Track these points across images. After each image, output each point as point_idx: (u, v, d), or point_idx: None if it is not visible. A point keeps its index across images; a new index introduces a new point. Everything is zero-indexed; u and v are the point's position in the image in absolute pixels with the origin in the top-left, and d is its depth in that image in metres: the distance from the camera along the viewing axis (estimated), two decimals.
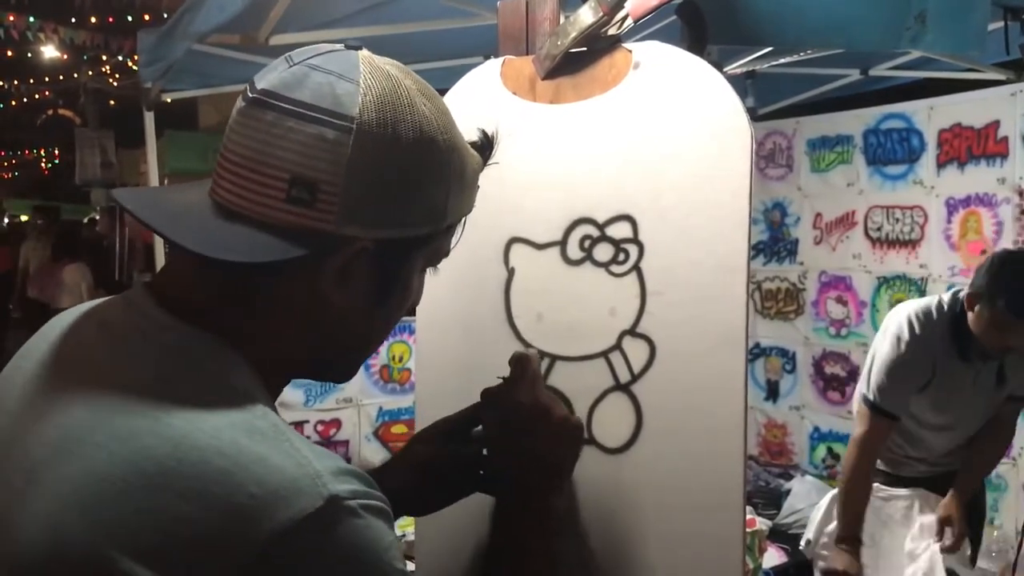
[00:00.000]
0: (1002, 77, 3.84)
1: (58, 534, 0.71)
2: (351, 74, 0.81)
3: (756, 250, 5.00)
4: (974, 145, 4.01)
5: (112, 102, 10.82)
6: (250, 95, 0.82)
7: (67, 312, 0.93)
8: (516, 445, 1.06)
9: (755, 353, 5.02)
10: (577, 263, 1.24)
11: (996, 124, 3.92)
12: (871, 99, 4.50)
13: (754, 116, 4.81)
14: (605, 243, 1.22)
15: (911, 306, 2.75)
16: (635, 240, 1.20)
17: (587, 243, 1.24)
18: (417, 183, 0.84)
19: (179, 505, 0.70)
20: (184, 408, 0.75)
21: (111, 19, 8.41)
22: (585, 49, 1.24)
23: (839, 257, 4.58)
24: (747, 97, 4.55)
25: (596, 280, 1.23)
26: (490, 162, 0.98)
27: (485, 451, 1.12)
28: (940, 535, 2.81)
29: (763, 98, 4.62)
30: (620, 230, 1.21)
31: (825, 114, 4.67)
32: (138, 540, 0.69)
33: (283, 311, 0.84)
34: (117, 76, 9.72)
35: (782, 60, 3.87)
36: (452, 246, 0.95)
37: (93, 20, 8.64)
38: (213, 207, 0.82)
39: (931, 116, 4.18)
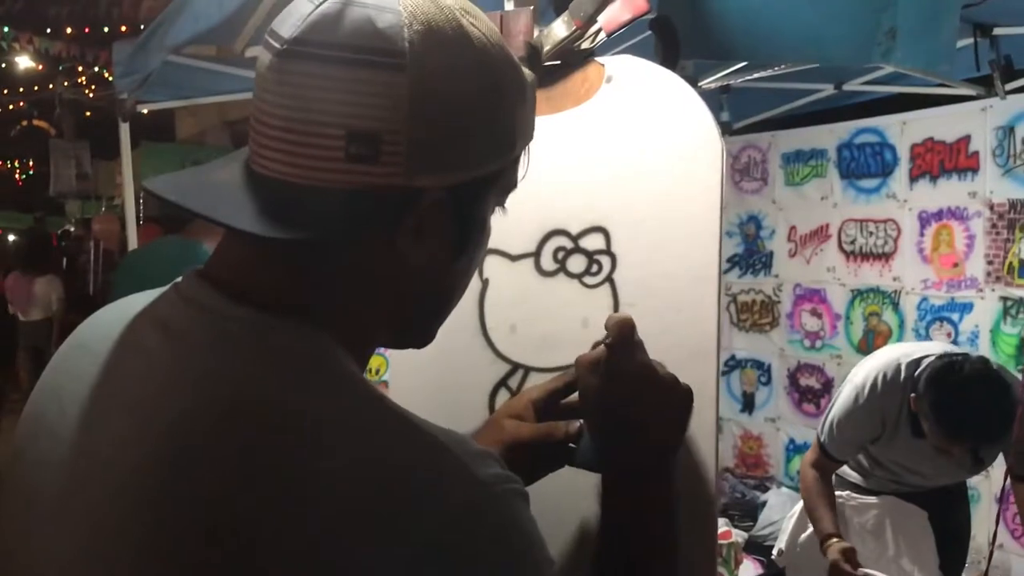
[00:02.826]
0: (973, 92, 3.90)
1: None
2: (389, 3, 0.71)
3: (731, 263, 5.03)
4: (946, 159, 4.07)
5: (88, 113, 10.75)
6: (278, 47, 0.71)
7: (101, 320, 0.82)
8: (623, 416, 0.95)
9: (731, 365, 5.04)
10: (551, 274, 1.25)
11: (967, 139, 3.98)
12: (845, 114, 4.55)
13: (729, 130, 4.85)
14: (579, 254, 1.23)
15: (882, 359, 2.66)
16: (608, 252, 1.21)
17: (561, 254, 1.24)
18: (484, 112, 0.75)
19: (326, 516, 0.63)
20: (304, 412, 0.67)
21: (87, 29, 8.37)
22: (559, 63, 1.25)
23: (813, 270, 4.62)
24: (722, 111, 4.58)
25: (569, 291, 1.23)
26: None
27: (582, 422, 1.02)
28: None
29: (738, 112, 4.66)
30: (593, 242, 1.22)
31: (799, 128, 4.73)
32: (287, 547, 0.63)
33: (361, 282, 0.76)
34: (93, 87, 9.65)
35: (756, 75, 3.90)
36: (520, 178, 0.86)
37: (69, 31, 8.59)
38: (261, 181, 0.72)
39: (904, 131, 4.24)
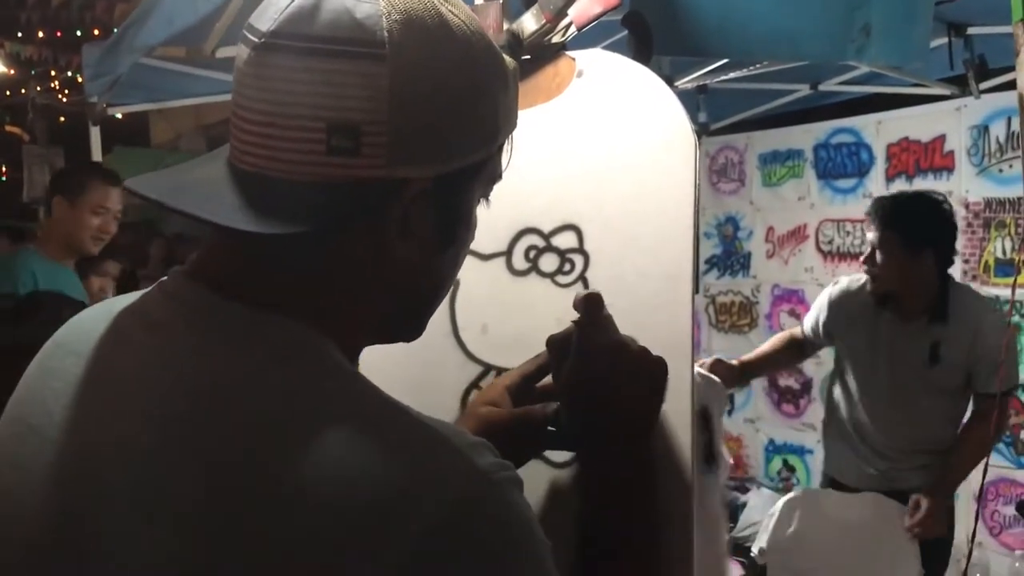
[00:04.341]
0: (947, 92, 3.91)
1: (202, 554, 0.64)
2: None
3: (709, 264, 5.04)
4: (922, 159, 4.09)
5: (62, 118, 10.64)
6: (256, 40, 0.70)
7: (83, 321, 0.81)
8: (596, 390, 0.95)
9: None
10: (522, 274, 1.22)
11: (942, 138, 4.00)
12: (821, 114, 4.57)
13: (706, 131, 4.86)
14: (551, 253, 1.21)
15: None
16: (580, 250, 1.19)
17: (532, 253, 1.22)
18: (466, 102, 0.74)
19: (324, 515, 0.63)
20: (295, 409, 0.67)
21: (59, 33, 8.28)
22: (529, 57, 1.22)
23: (791, 270, 4.63)
24: (699, 112, 4.59)
25: (542, 291, 1.21)
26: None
27: (558, 404, 1.01)
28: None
29: (715, 113, 4.67)
30: (565, 240, 1.20)
31: (776, 129, 4.74)
32: (287, 541, 0.62)
33: (347, 275, 0.75)
34: (66, 92, 9.55)
35: (733, 75, 3.90)
36: (504, 167, 0.85)
37: (40, 35, 8.50)
38: (244, 177, 0.72)
39: (879, 131, 4.25)
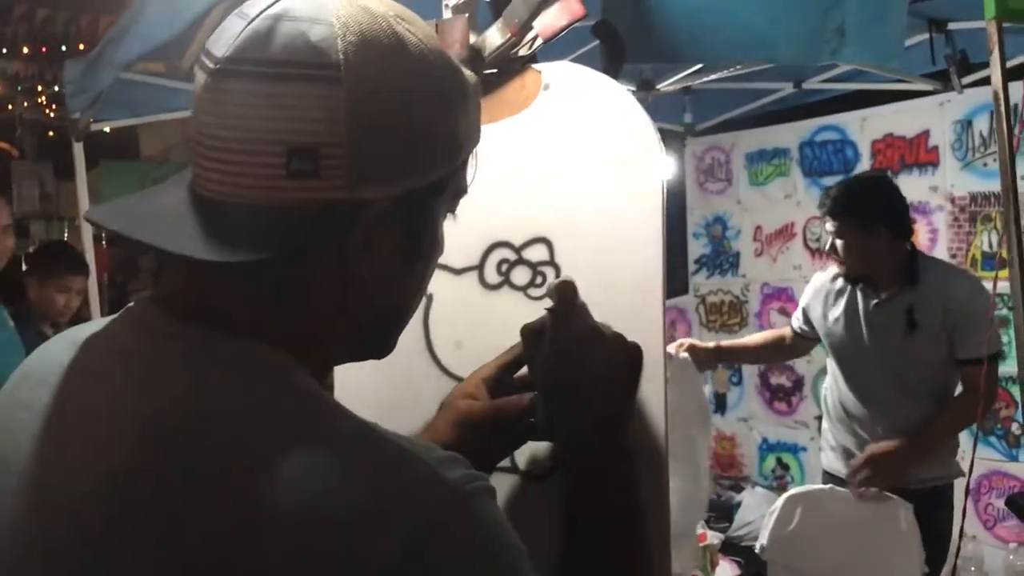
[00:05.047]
0: (930, 87, 3.92)
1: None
2: (321, 15, 0.70)
3: (698, 264, 5.04)
4: (906, 154, 4.09)
5: (51, 133, 10.62)
6: (212, 66, 0.70)
7: (51, 350, 0.80)
8: (571, 378, 0.96)
9: None
10: (495, 287, 1.22)
11: (926, 134, 4.00)
12: (805, 112, 4.57)
13: (692, 132, 4.87)
14: (522, 266, 1.21)
15: None
16: (552, 262, 1.19)
17: (504, 267, 1.22)
18: (426, 120, 0.74)
19: (294, 539, 0.62)
20: (262, 433, 0.66)
21: (44, 49, 8.26)
22: (496, 70, 1.22)
23: (780, 268, 4.63)
24: (685, 113, 4.60)
25: (514, 304, 1.21)
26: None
27: (535, 394, 1.01)
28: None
29: (700, 114, 4.68)
30: (537, 252, 1.20)
31: (761, 128, 4.74)
32: (256, 567, 0.62)
33: (312, 297, 0.75)
34: (53, 107, 9.55)
35: (716, 75, 3.90)
36: (469, 182, 0.85)
37: (26, 50, 8.48)
38: (205, 203, 0.72)
39: (864, 127, 4.26)
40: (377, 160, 0.71)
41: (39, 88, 9.40)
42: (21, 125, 10.25)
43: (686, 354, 2.59)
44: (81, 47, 7.77)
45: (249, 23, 0.70)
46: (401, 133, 0.72)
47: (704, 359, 2.90)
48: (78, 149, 3.68)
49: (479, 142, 0.85)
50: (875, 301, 2.95)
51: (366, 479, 0.65)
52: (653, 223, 1.13)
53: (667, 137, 4.68)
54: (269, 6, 0.71)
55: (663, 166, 1.13)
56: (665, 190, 1.13)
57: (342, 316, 0.77)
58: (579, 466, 0.96)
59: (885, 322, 2.93)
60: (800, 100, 4.51)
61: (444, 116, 0.76)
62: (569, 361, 0.96)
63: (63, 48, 7.90)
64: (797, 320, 3.29)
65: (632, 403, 1.00)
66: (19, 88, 9.50)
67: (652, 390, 1.11)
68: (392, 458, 0.68)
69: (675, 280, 5.02)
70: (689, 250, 5.09)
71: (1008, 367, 3.05)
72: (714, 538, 3.85)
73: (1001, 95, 1.85)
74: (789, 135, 4.57)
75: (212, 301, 0.74)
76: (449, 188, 0.80)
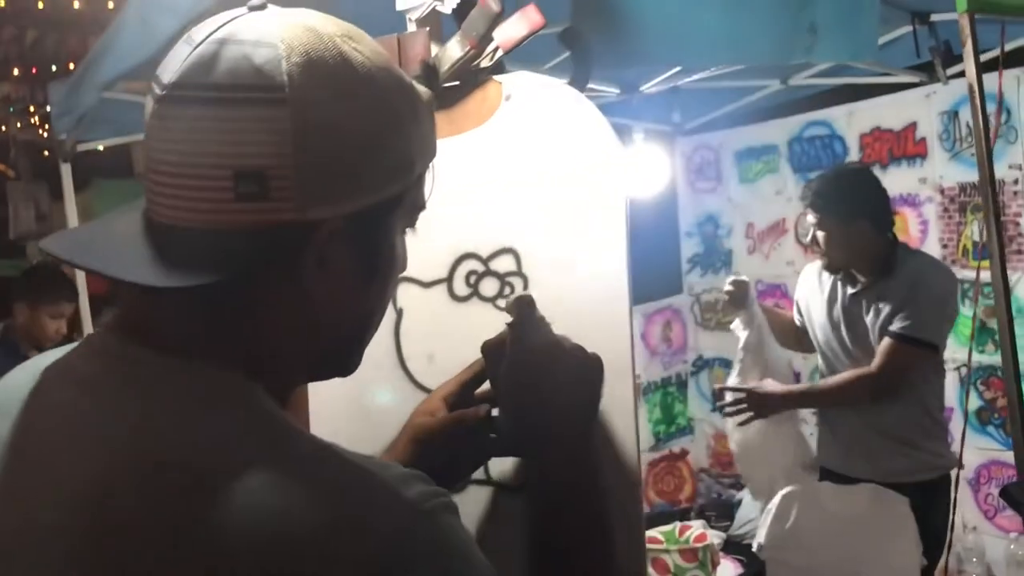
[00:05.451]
0: (916, 79, 3.91)
1: None
2: (266, 38, 0.70)
3: (692, 263, 5.04)
4: (894, 147, 4.09)
5: (46, 153, 10.62)
6: (159, 92, 0.71)
7: (12, 381, 0.80)
8: (532, 391, 0.96)
9: (698, 365, 5.03)
10: (464, 299, 1.23)
11: (914, 126, 4.00)
12: (793, 108, 4.57)
13: (680, 131, 4.86)
14: (490, 277, 1.21)
15: None
16: (519, 273, 1.19)
17: (473, 278, 1.22)
18: (375, 139, 0.73)
19: (253, 563, 0.62)
20: (219, 459, 0.67)
21: (35, 70, 8.27)
22: (458, 83, 1.22)
23: (773, 265, 4.62)
24: (673, 113, 4.59)
25: (484, 315, 1.21)
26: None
27: (496, 410, 1.03)
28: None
29: (688, 113, 4.67)
30: (504, 263, 1.20)
31: (749, 125, 4.73)
32: None
33: (269, 319, 0.75)
34: (46, 127, 9.56)
35: (702, 75, 3.89)
36: (427, 196, 0.85)
37: (16, 72, 8.48)
38: (157, 229, 0.72)
39: (851, 121, 4.25)
40: (325, 180, 0.71)
41: (31, 109, 9.40)
42: (15, 146, 10.25)
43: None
44: (71, 67, 7.79)
45: (195, 48, 0.71)
46: (349, 152, 0.72)
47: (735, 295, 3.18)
48: (66, 170, 3.68)
49: (435, 156, 0.85)
50: (852, 292, 2.99)
51: (324, 500, 0.66)
52: (617, 230, 1.13)
53: (656, 137, 4.69)
54: (215, 31, 0.72)
55: (625, 172, 1.13)
56: (627, 199, 1.14)
57: (301, 335, 0.77)
58: (543, 479, 0.97)
59: (859, 314, 2.97)
60: (787, 96, 4.50)
61: (394, 133, 0.76)
62: (529, 374, 0.97)
63: (53, 68, 7.90)
64: (796, 315, 3.33)
65: (594, 415, 1.01)
66: (11, 109, 9.51)
67: (620, 397, 1.11)
68: (350, 478, 0.68)
69: (669, 280, 5.01)
70: (682, 249, 5.08)
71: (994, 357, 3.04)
72: (715, 537, 3.85)
73: (976, 88, 1.85)
74: (777, 132, 4.56)
75: (167, 326, 0.74)
76: (404, 204, 0.80)
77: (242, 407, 0.71)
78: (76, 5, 6.93)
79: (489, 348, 1.03)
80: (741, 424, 3.04)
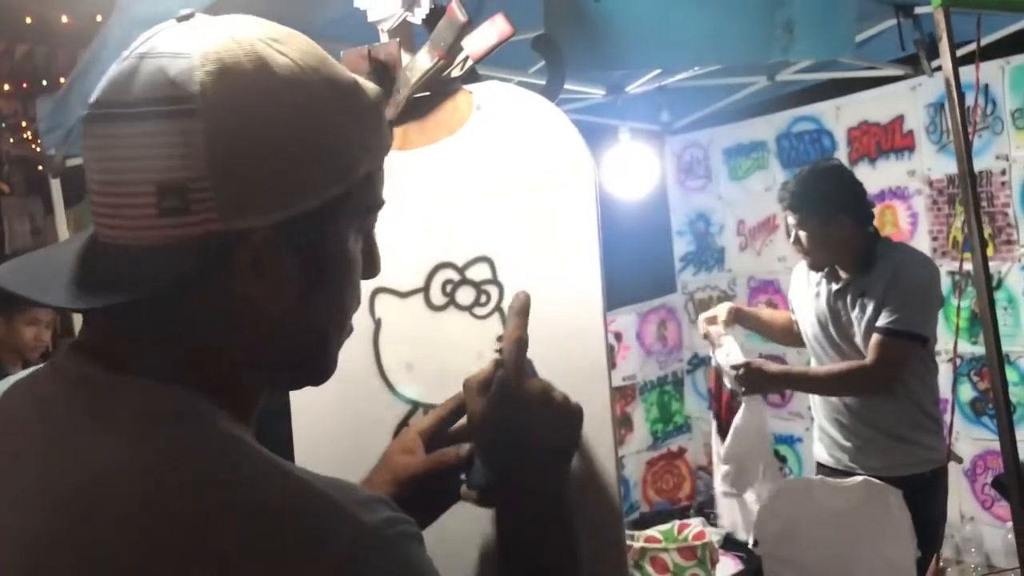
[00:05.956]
0: (901, 73, 3.92)
1: None
2: (184, 49, 0.69)
3: (684, 262, 5.04)
4: (882, 140, 4.10)
5: (40, 167, 10.59)
6: (85, 112, 0.72)
7: None
8: (512, 433, 0.95)
9: (694, 363, 5.04)
10: (441, 308, 1.23)
11: (901, 119, 4.01)
12: (780, 104, 4.57)
13: (669, 130, 4.86)
14: (467, 286, 1.21)
15: None
16: (495, 281, 1.19)
17: (449, 287, 1.22)
18: (302, 140, 0.71)
19: None
20: (172, 481, 0.65)
21: (25, 85, 8.26)
22: (429, 93, 1.23)
23: (765, 261, 4.63)
24: (661, 112, 4.60)
25: (461, 324, 1.22)
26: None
27: (470, 446, 1.01)
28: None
29: (676, 111, 4.67)
30: (480, 272, 1.21)
31: (738, 122, 4.73)
32: None
33: (215, 330, 0.73)
34: (38, 142, 9.54)
35: (689, 73, 3.90)
36: (380, 196, 0.82)
37: (7, 87, 8.47)
38: (96, 248, 0.72)
39: (839, 116, 4.26)
40: (248, 188, 0.69)
41: (23, 124, 9.40)
42: (8, 161, 10.25)
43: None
44: (61, 81, 7.78)
45: (121, 63, 0.71)
46: (272, 157, 0.70)
47: (727, 319, 3.11)
48: (55, 185, 3.68)
49: (386, 153, 0.82)
50: (836, 288, 3.01)
51: (281, 522, 0.65)
52: (589, 235, 1.14)
53: (645, 137, 4.68)
54: (141, 44, 0.71)
55: (595, 180, 1.14)
56: (599, 205, 1.14)
57: (252, 343, 0.76)
58: (515, 521, 0.97)
59: (842, 310, 2.99)
60: (774, 93, 4.50)
61: (327, 133, 0.73)
62: (514, 415, 0.96)
63: (44, 83, 7.89)
64: (791, 312, 3.36)
65: (569, 459, 1.01)
66: (2, 125, 9.51)
67: (596, 402, 1.12)
68: (308, 501, 0.67)
69: (663, 279, 5.02)
70: (674, 248, 5.09)
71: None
72: (714, 535, 3.85)
73: (952, 82, 1.86)
74: (766, 128, 4.57)
75: (120, 345, 0.73)
76: (349, 206, 0.77)
77: (194, 427, 0.70)
78: (65, 20, 6.90)
79: (472, 385, 1.00)
80: (745, 395, 3.00)
